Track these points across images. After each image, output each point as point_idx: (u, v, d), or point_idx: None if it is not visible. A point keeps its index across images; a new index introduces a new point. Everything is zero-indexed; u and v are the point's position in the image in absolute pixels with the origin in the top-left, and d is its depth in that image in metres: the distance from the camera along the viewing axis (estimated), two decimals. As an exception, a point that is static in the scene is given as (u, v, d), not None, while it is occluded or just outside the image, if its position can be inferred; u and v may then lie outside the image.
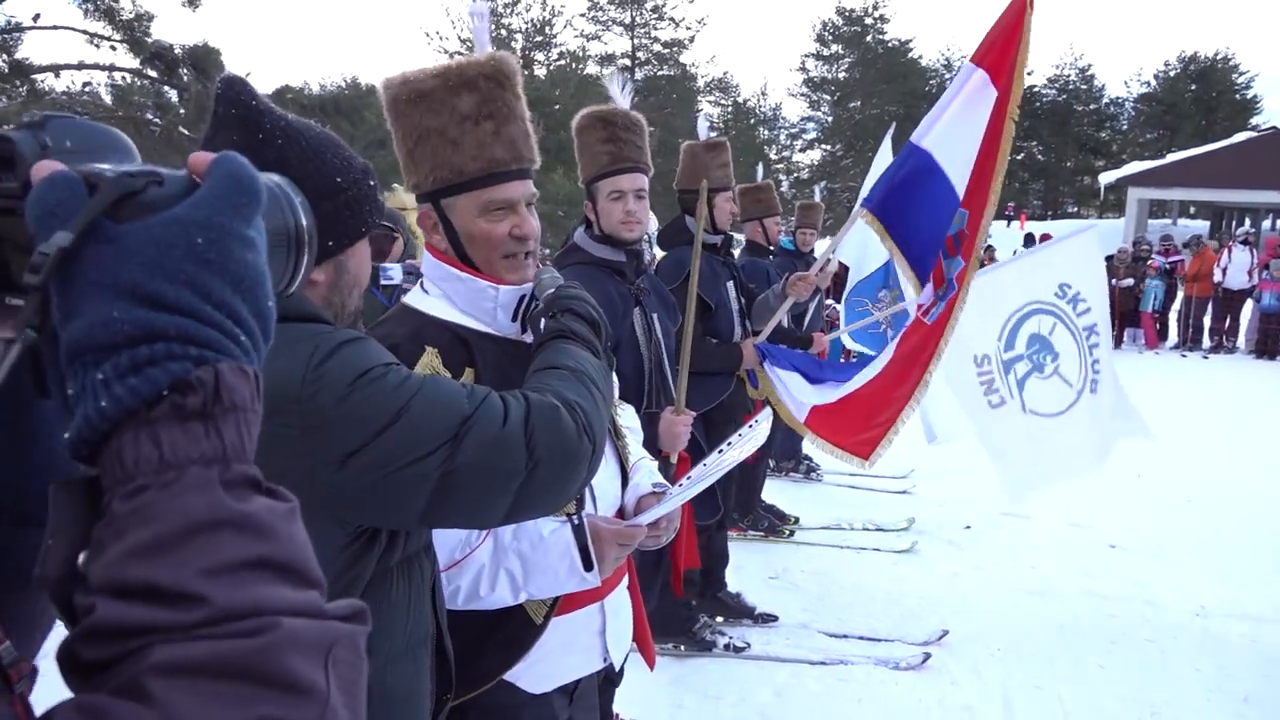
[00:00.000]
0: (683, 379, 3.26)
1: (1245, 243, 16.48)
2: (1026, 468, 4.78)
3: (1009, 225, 30.16)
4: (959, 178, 4.14)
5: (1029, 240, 22.37)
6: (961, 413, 4.84)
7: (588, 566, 1.73)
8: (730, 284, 4.42)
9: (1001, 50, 4.05)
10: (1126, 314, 16.34)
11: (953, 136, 4.12)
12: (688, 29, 42.94)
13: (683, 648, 4.32)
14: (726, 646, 4.32)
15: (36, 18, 10.62)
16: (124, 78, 11.39)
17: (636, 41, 42.74)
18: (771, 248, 6.08)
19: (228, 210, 0.65)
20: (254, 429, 0.65)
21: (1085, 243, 5.04)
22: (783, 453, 7.61)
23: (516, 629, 1.83)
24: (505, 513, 1.38)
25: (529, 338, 1.82)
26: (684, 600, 4.33)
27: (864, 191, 5.74)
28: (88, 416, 0.60)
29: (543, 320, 1.71)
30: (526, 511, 1.42)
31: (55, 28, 10.62)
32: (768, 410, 2.23)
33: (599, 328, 1.70)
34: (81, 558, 0.59)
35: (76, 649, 0.57)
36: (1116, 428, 4.91)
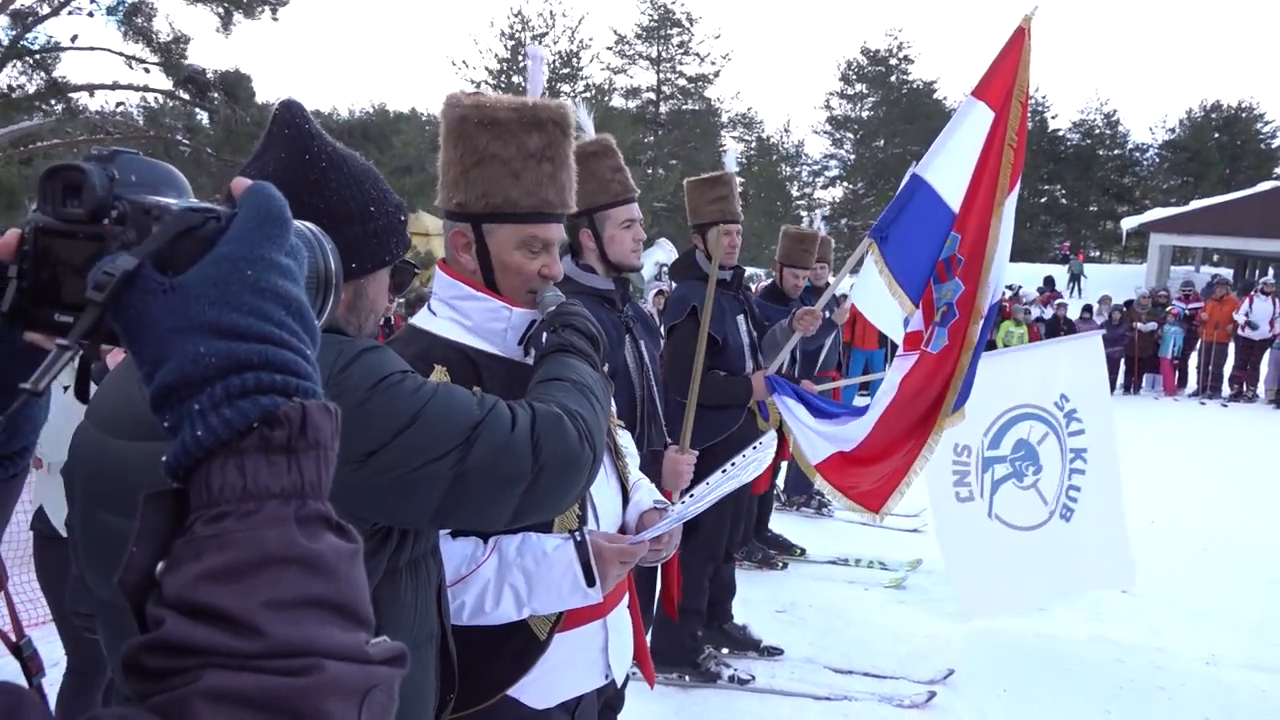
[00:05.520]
0: (689, 418, 3.27)
1: (1266, 293, 16.43)
2: (982, 580, 4.67)
3: (1066, 265, 29.86)
4: (954, 202, 4.15)
5: (1049, 281, 22.17)
6: (924, 492, 4.69)
7: (590, 583, 1.77)
8: (741, 318, 4.39)
9: (1001, 80, 4.11)
10: (1145, 359, 16.31)
11: (952, 165, 4.15)
12: (712, 64, 43.27)
13: (687, 678, 4.32)
14: (731, 678, 4.32)
15: (74, 39, 10.88)
16: (156, 99, 11.64)
17: (662, 76, 43.09)
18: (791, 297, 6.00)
19: (265, 241, 0.69)
20: (332, 466, 0.69)
21: (1090, 349, 4.85)
22: (794, 486, 7.61)
23: (521, 645, 1.86)
24: (510, 515, 1.45)
25: (531, 360, 1.89)
26: (691, 630, 4.34)
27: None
28: (184, 443, 0.64)
29: (544, 334, 1.79)
30: (530, 515, 1.49)
31: (93, 49, 10.87)
32: (772, 434, 2.25)
33: (598, 343, 1.79)
34: (159, 567, 0.63)
35: (140, 657, 0.60)
36: (1094, 573, 4.77)
